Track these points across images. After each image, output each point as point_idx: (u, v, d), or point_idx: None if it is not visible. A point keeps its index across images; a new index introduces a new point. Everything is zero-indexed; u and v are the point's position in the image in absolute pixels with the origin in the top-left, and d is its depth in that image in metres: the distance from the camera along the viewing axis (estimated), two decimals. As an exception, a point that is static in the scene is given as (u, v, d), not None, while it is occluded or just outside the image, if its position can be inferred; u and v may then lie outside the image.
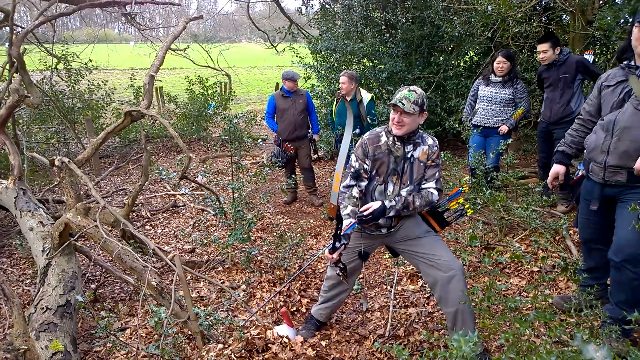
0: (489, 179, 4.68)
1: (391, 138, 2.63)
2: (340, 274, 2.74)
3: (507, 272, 3.77)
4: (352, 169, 2.68)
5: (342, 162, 2.58)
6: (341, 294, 3.13)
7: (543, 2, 6.94)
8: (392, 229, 2.77)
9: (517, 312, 2.51)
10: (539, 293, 2.41)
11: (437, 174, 2.67)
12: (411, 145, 2.64)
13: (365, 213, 2.55)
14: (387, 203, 2.58)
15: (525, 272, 3.73)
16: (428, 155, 2.65)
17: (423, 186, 2.67)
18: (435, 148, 2.67)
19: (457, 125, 5.09)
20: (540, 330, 2.88)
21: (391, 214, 2.60)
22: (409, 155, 2.64)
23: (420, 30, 7.16)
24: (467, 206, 2.92)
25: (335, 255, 2.59)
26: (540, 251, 3.91)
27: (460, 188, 2.90)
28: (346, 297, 3.28)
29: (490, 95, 4.91)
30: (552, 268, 3.67)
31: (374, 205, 2.57)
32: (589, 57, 4.64)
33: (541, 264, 3.64)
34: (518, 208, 4.11)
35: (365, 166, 2.66)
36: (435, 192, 2.66)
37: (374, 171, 2.66)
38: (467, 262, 3.96)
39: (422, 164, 2.65)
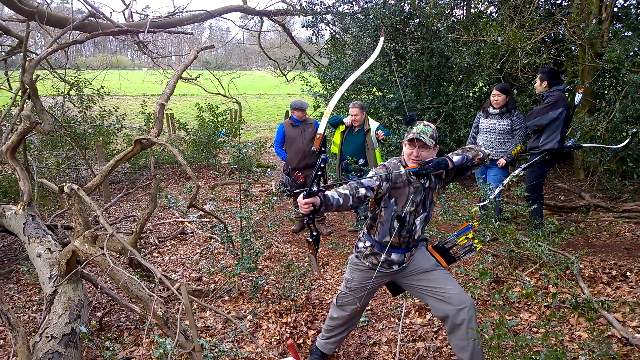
0: (499, 211, 4.65)
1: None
2: (310, 240, 2.50)
3: (516, 307, 3.70)
4: (370, 178, 2.49)
5: (335, 102, 2.69)
6: (348, 329, 3.10)
7: (552, 34, 7.00)
8: (404, 264, 2.76)
9: (527, 350, 2.46)
10: (550, 330, 2.36)
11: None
12: (426, 177, 2.63)
13: (426, 164, 2.47)
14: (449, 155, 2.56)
15: (536, 306, 3.66)
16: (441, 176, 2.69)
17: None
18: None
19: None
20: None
21: (456, 160, 2.53)
22: (426, 186, 2.63)
23: (430, 60, 7.23)
24: (476, 241, 2.82)
25: (308, 200, 2.22)
26: (551, 286, 3.84)
27: (470, 223, 2.82)
28: (353, 329, 3.23)
29: (490, 126, 5.06)
30: (562, 303, 3.59)
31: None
32: (578, 95, 4.71)
33: (551, 300, 3.56)
34: (528, 242, 4.06)
35: (382, 184, 2.51)
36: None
37: (393, 199, 2.60)
38: (476, 296, 3.90)
39: (437, 187, 2.69)
